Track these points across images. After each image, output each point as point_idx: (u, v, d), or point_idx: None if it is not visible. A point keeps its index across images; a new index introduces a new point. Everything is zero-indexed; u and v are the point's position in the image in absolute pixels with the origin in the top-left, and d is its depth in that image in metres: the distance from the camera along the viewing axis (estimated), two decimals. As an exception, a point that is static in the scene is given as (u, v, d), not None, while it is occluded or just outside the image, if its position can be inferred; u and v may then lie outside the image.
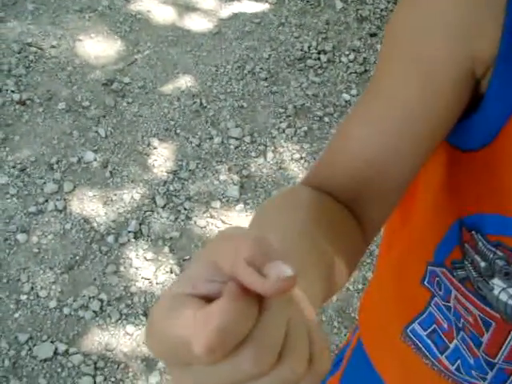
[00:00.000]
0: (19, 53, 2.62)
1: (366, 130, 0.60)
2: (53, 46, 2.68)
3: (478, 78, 0.56)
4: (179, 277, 0.35)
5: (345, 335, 1.93)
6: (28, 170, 2.26)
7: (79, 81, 2.56)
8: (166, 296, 0.34)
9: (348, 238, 0.61)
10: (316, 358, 0.35)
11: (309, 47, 2.75)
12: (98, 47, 2.71)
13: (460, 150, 0.61)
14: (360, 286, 2.05)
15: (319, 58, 2.71)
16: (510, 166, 0.57)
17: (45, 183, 2.23)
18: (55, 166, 2.28)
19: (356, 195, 0.61)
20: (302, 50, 2.74)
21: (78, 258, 2.05)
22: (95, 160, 2.31)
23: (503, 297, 0.64)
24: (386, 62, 0.61)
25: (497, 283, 0.63)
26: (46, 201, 2.18)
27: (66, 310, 1.93)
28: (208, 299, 0.33)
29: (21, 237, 2.08)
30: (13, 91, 2.49)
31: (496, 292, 0.64)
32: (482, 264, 0.64)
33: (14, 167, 2.26)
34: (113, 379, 1.81)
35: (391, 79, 0.59)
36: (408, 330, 0.79)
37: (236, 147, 2.39)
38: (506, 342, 0.68)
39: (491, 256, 0.62)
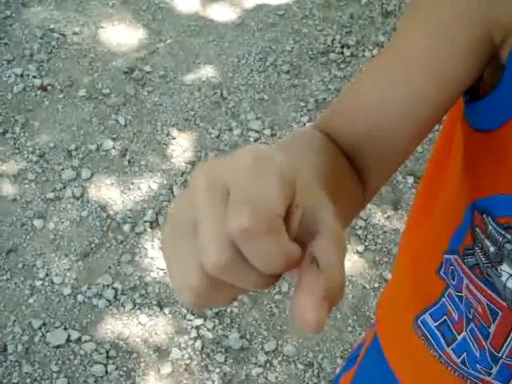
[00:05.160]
0: (42, 38, 2.62)
1: (373, 88, 0.61)
2: (75, 33, 2.67)
3: (498, 45, 0.55)
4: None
5: (359, 334, 1.91)
6: (47, 155, 2.26)
7: (100, 68, 2.56)
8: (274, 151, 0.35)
9: (352, 189, 0.62)
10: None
11: (332, 41, 2.72)
12: (121, 35, 2.70)
13: (479, 130, 0.60)
14: (376, 285, 2.03)
15: (342, 52, 2.68)
16: None
17: (63, 170, 2.22)
18: (74, 153, 2.27)
19: (358, 151, 0.61)
20: (325, 44, 2.71)
21: (93, 245, 2.05)
22: (114, 148, 2.30)
23: (510, 284, 0.63)
24: (404, 22, 0.61)
25: (505, 269, 0.63)
26: (64, 187, 2.18)
27: (80, 298, 1.93)
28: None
29: (37, 222, 2.08)
30: (34, 76, 2.48)
31: (504, 279, 0.63)
32: (492, 249, 0.63)
33: (32, 153, 2.26)
34: (124, 368, 1.81)
35: (404, 39, 0.60)
36: (419, 321, 0.79)
37: (255, 140, 2.37)
38: (511, 335, 0.67)
39: (501, 240, 0.61)
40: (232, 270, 0.33)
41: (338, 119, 0.63)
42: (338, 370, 1.83)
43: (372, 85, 0.61)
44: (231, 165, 0.35)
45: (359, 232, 2.12)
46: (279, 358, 1.86)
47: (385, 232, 2.15)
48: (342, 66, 2.64)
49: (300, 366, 1.85)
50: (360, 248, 2.09)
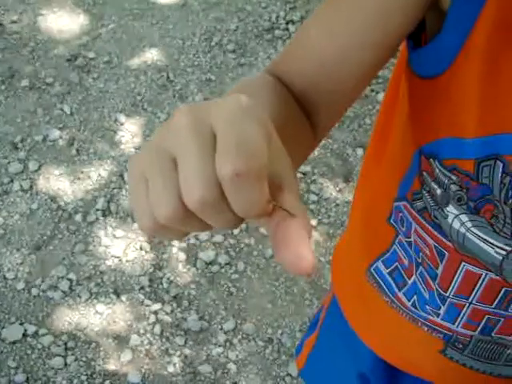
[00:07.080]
0: (-21, 29, 2.55)
1: (322, 32, 0.62)
2: (14, 22, 2.60)
3: None
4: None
5: (317, 307, 1.93)
6: (-9, 149, 2.21)
7: (42, 57, 2.50)
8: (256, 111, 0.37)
9: (303, 129, 0.63)
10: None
11: (277, 17, 2.71)
12: (61, 22, 2.64)
13: (423, 77, 0.62)
14: (331, 258, 2.05)
15: (287, 29, 2.67)
16: (467, 90, 0.57)
17: (9, 163, 2.18)
18: (19, 145, 2.23)
19: (308, 94, 0.63)
20: (269, 21, 2.69)
21: (45, 237, 2.02)
22: (61, 138, 2.26)
23: (456, 224, 0.65)
24: None
25: (451, 210, 0.65)
26: (11, 181, 2.14)
27: (34, 291, 1.90)
28: None
29: (-14, 218, 2.04)
30: (-27, 69, 2.42)
31: (450, 220, 0.66)
32: (438, 191, 0.65)
33: (-24, 147, 2.21)
34: (84, 359, 1.80)
35: None
36: (372, 269, 0.82)
37: (204, 121, 2.36)
38: (457, 274, 0.70)
39: (446, 181, 0.63)
40: (211, 208, 0.35)
41: (288, 64, 0.64)
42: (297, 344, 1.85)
43: (318, 31, 0.62)
44: (216, 108, 0.36)
45: (312, 206, 2.14)
46: (239, 337, 1.87)
47: (337, 205, 2.17)
48: (288, 42, 2.63)
49: (260, 343, 1.87)
50: (313, 222, 2.11)
